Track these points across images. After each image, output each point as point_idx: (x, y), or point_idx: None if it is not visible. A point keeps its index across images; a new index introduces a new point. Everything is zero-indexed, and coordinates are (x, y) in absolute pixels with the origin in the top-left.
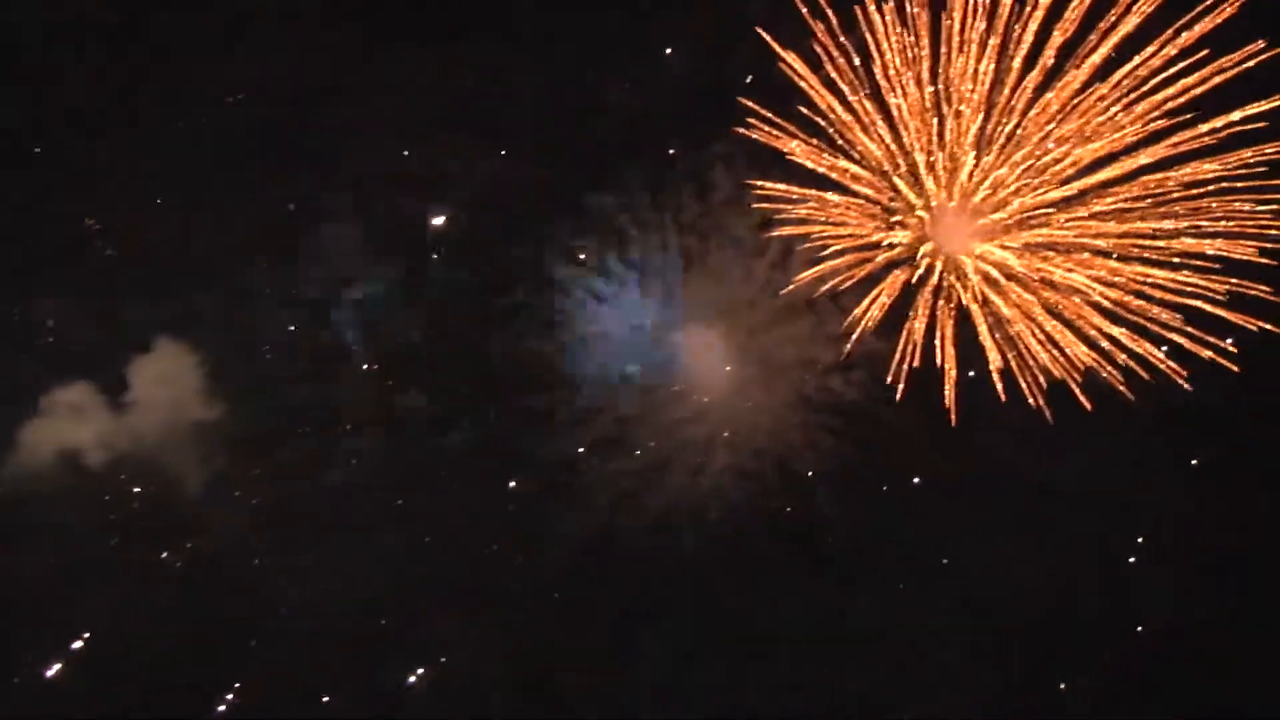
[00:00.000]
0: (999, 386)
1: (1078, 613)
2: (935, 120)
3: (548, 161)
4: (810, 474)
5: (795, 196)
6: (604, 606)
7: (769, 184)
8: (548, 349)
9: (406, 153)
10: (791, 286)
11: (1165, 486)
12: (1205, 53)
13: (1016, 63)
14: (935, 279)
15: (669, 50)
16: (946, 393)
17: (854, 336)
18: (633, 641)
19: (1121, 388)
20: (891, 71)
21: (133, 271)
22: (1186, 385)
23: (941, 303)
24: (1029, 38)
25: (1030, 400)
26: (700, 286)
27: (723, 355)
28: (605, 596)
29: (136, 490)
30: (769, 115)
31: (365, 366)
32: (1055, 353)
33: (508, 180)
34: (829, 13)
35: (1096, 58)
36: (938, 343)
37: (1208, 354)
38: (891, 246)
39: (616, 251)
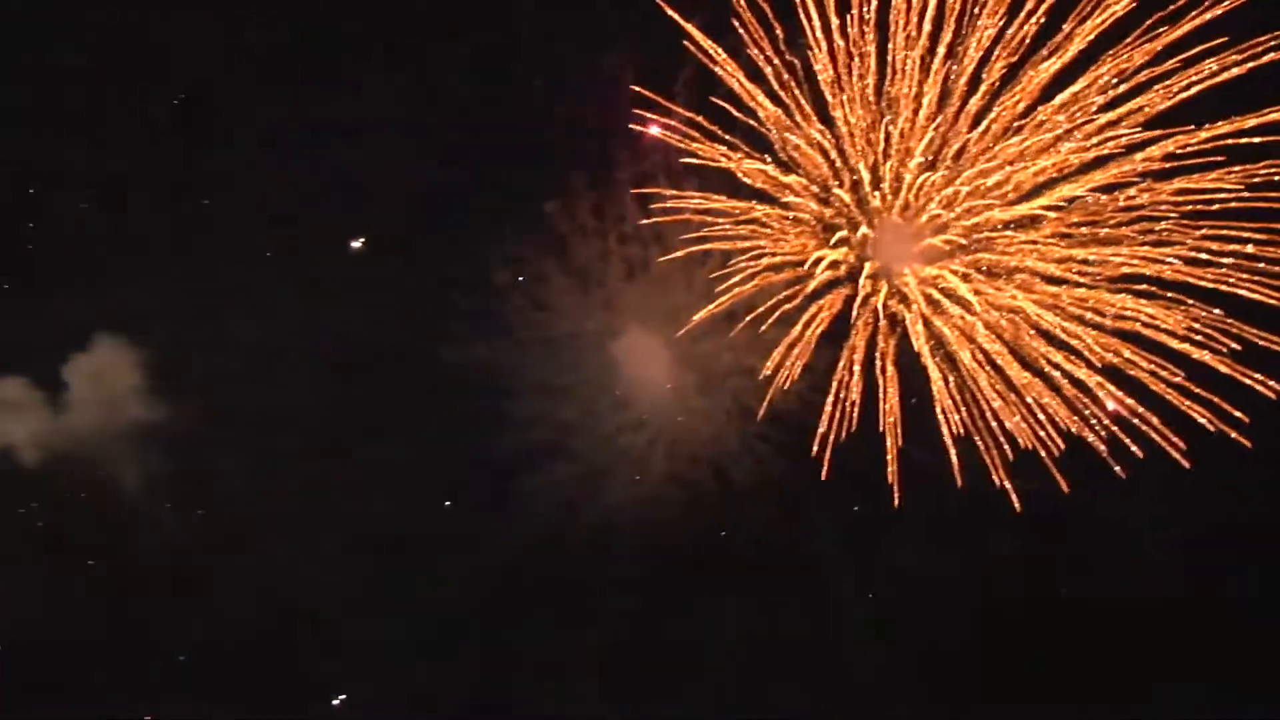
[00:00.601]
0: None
1: (1007, 633)
2: (881, 135)
3: (489, 167)
4: (747, 485)
5: (713, 206)
6: (540, 615)
7: (683, 193)
8: (487, 355)
9: (345, 153)
10: (720, 303)
11: (1107, 509)
12: (1152, 71)
13: (963, 81)
14: (877, 299)
15: (614, 60)
16: (884, 420)
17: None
18: (568, 649)
19: (1060, 414)
20: (835, 84)
21: (69, 267)
22: (1125, 412)
23: (883, 324)
24: (976, 54)
25: (973, 432)
26: (641, 294)
27: (663, 363)
28: (542, 605)
29: (68, 494)
30: (707, 125)
31: (303, 370)
32: (996, 378)
33: (449, 185)
34: (775, 24)
35: (1045, 76)
36: (878, 364)
37: (1158, 386)
38: (835, 265)
39: (557, 258)
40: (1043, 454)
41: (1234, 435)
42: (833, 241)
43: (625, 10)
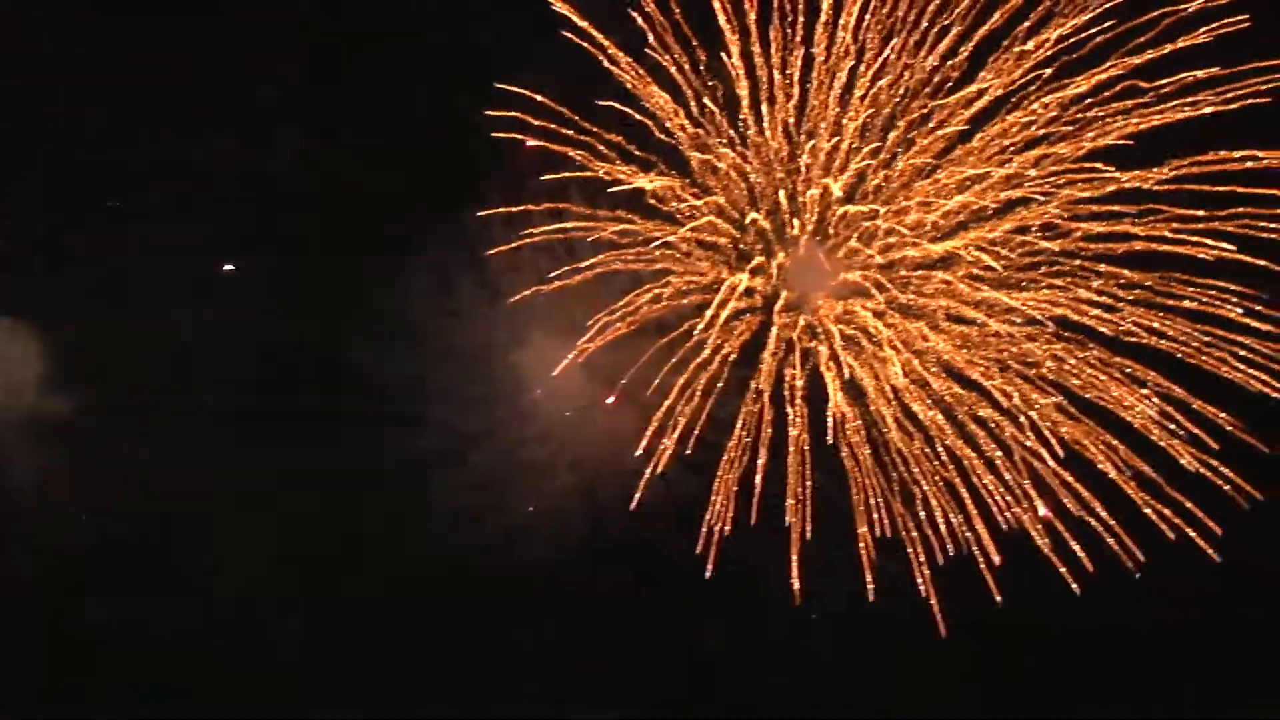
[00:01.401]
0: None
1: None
2: (803, 163)
3: (407, 173)
4: (652, 500)
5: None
6: (441, 622)
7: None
8: (392, 362)
9: (256, 154)
10: (627, 322)
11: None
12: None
13: (885, 114)
14: (791, 332)
15: (535, 72)
16: (790, 457)
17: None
18: (468, 658)
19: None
20: (755, 109)
21: None
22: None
23: (794, 357)
24: (897, 91)
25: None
26: (553, 307)
27: (573, 376)
28: (442, 612)
29: None
30: (624, 146)
31: (209, 371)
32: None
33: (364, 189)
34: (694, 44)
35: (973, 109)
36: (786, 397)
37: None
38: (749, 293)
39: (471, 265)
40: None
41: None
42: (749, 268)
43: (545, 26)
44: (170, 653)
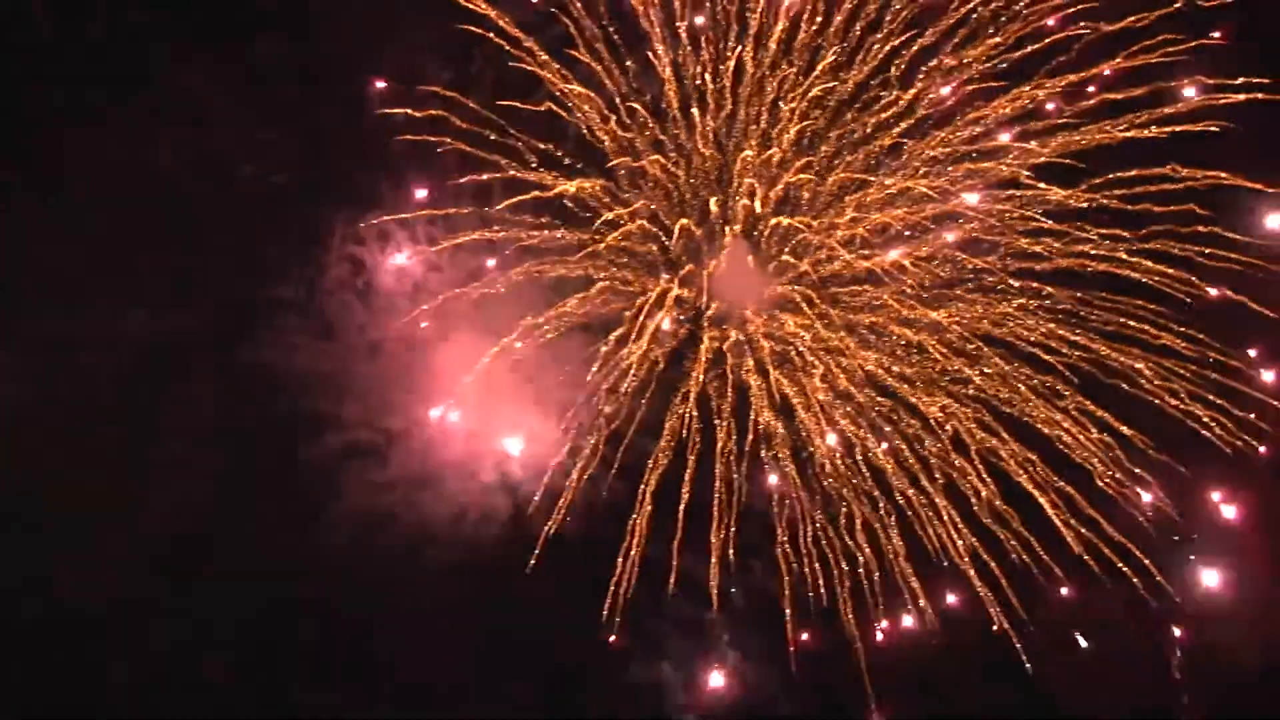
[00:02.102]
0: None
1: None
2: (735, 171)
3: (327, 171)
4: (574, 502)
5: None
6: (348, 622)
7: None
8: (310, 357)
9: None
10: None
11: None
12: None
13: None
14: (719, 343)
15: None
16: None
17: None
18: (373, 658)
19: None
20: (685, 117)
21: None
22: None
23: (724, 367)
24: (831, 105)
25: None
26: (478, 305)
27: (497, 376)
28: (351, 612)
29: None
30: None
31: (121, 365)
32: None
33: (285, 187)
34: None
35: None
36: (713, 408)
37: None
38: (680, 301)
39: (392, 265)
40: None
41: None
42: (677, 277)
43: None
44: (59, 656)
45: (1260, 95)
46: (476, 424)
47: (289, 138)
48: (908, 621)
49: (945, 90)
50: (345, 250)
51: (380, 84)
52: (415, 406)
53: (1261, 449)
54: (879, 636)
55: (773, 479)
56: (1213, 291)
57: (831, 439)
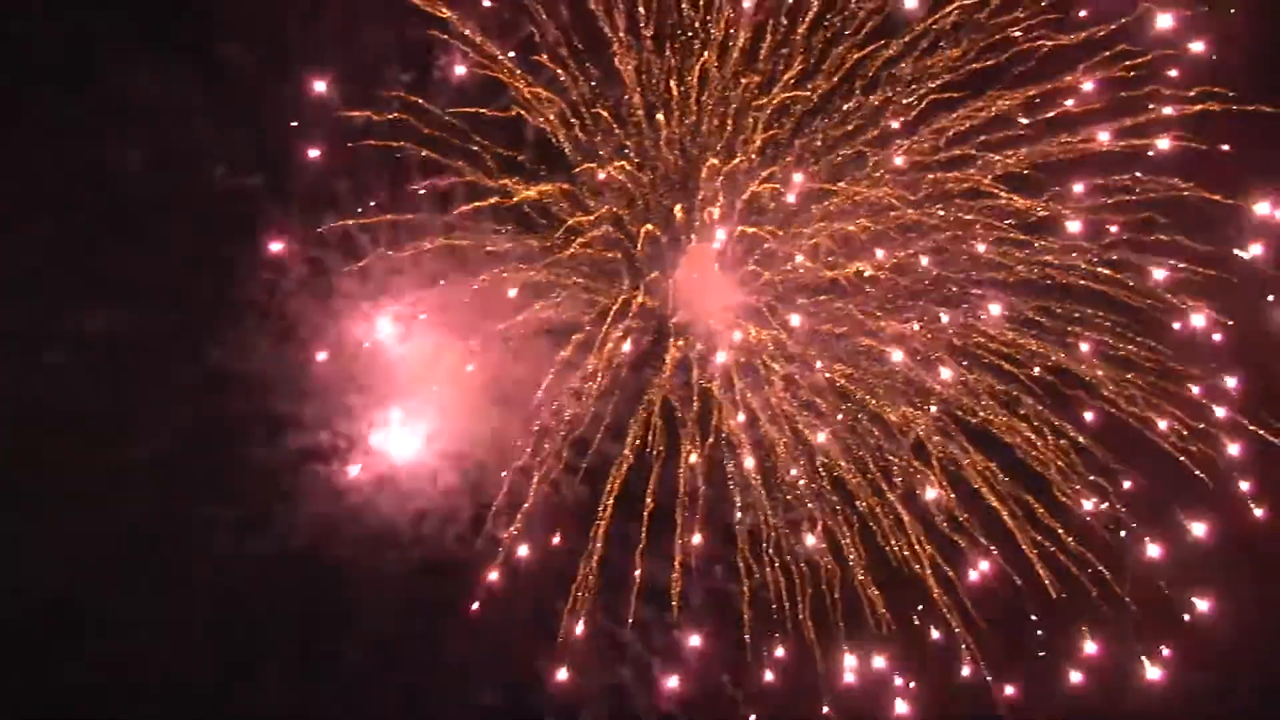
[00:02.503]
0: None
1: None
2: (701, 177)
3: (288, 175)
4: (534, 506)
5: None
6: (307, 623)
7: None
8: (271, 358)
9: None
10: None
11: None
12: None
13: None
14: (685, 352)
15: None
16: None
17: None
18: (333, 661)
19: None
20: (649, 123)
21: None
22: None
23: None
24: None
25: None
26: (445, 304)
27: (459, 375)
28: (311, 615)
29: None
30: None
31: (63, 359)
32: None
33: (247, 189)
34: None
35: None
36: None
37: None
38: (644, 309)
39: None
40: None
41: None
42: (643, 284)
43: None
44: (16, 656)
45: (1214, 105)
46: (438, 426)
47: (251, 139)
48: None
49: (909, 100)
50: (306, 253)
51: (340, 86)
52: (375, 409)
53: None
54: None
55: (735, 486)
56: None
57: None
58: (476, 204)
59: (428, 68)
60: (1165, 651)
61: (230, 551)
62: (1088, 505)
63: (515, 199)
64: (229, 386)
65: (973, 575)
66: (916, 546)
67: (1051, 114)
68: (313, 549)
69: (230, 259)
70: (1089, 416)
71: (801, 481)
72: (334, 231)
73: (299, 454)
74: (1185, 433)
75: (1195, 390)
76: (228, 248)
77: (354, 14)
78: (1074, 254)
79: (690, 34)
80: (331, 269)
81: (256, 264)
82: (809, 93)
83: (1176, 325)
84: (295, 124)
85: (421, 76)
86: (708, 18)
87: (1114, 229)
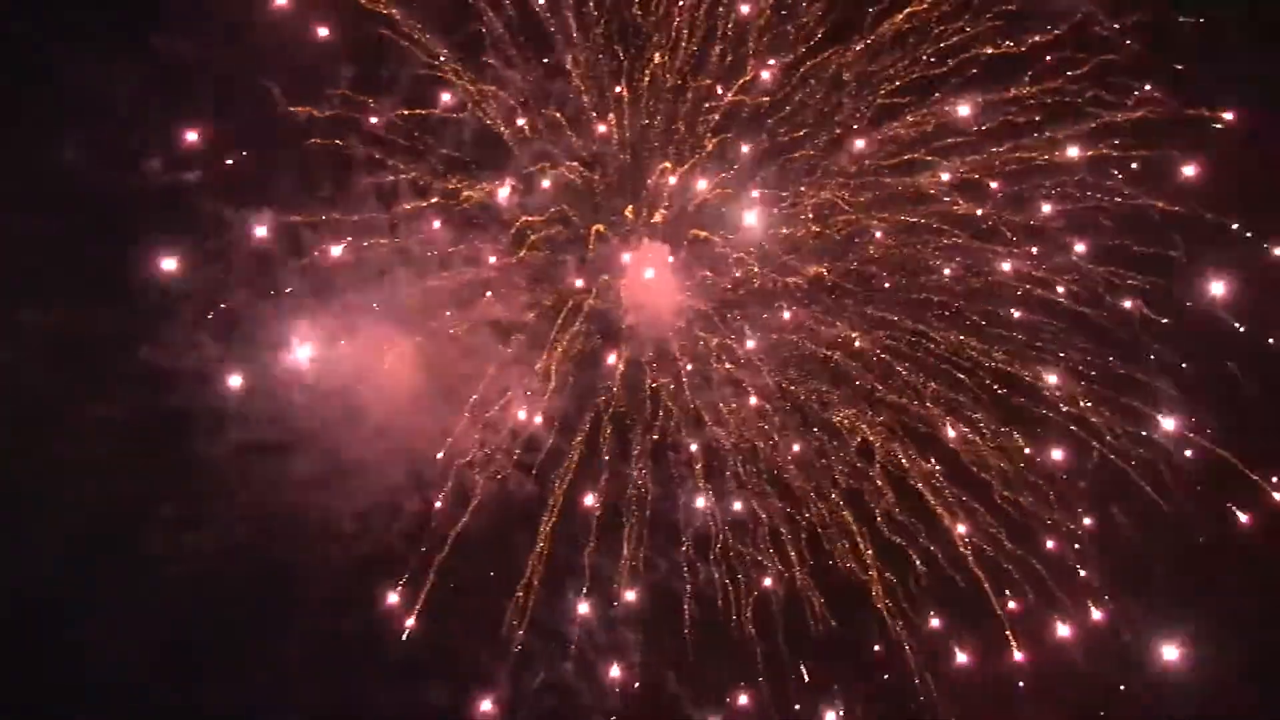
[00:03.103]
0: None
1: None
2: (655, 177)
3: (234, 172)
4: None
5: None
6: (251, 618)
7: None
8: (221, 353)
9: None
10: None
11: None
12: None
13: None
14: (635, 353)
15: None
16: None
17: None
18: (277, 655)
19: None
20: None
21: None
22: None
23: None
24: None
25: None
26: (392, 301)
27: (409, 372)
28: (255, 609)
29: None
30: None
31: (21, 360)
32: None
33: (188, 184)
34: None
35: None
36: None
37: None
38: (597, 311)
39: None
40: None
41: None
42: (596, 285)
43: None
44: None
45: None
46: (383, 421)
47: (195, 136)
48: None
49: (860, 106)
50: (251, 249)
51: (287, 84)
52: (320, 404)
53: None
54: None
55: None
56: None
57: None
58: (420, 203)
59: (376, 66)
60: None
61: (172, 548)
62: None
63: (462, 198)
64: (169, 382)
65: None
66: (859, 549)
67: (998, 120)
68: (256, 545)
69: (175, 254)
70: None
71: (749, 483)
72: (282, 226)
73: (242, 450)
74: (1120, 434)
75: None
76: (173, 243)
77: (299, 11)
78: (1029, 262)
79: (640, 35)
80: (279, 264)
81: (199, 259)
82: (764, 100)
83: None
84: (243, 120)
85: (367, 75)
86: (654, 19)
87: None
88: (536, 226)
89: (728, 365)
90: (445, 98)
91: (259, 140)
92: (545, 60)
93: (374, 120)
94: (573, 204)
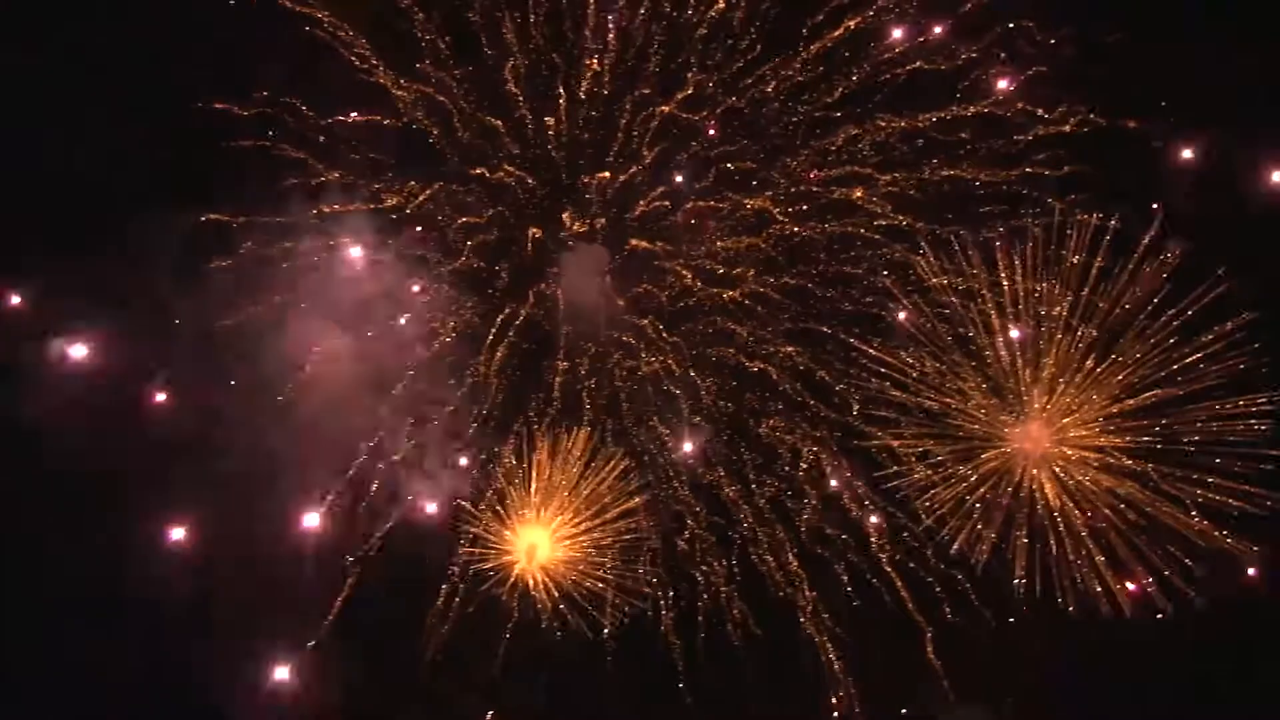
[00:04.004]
0: None
1: None
2: (590, 195)
3: (160, 173)
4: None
5: None
6: (173, 621)
7: None
8: (149, 351)
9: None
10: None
11: None
12: None
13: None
14: (570, 367)
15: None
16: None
17: None
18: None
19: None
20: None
21: None
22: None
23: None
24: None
25: None
26: (315, 304)
27: (344, 375)
28: (179, 612)
29: None
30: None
31: None
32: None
33: (113, 186)
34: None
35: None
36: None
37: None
38: (533, 319)
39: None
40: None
41: None
42: (529, 298)
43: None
44: None
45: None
46: (310, 422)
47: (122, 135)
48: None
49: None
50: (180, 246)
51: (216, 86)
52: (244, 406)
53: None
54: None
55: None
56: None
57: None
58: (349, 205)
59: (307, 68)
60: None
61: (89, 545)
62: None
63: (391, 201)
64: (97, 380)
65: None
66: (783, 560)
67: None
68: (182, 541)
69: (101, 250)
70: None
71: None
72: (210, 225)
73: (168, 447)
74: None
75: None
76: (101, 241)
77: (232, 12)
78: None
79: (577, 44)
80: (207, 262)
81: (129, 256)
82: (704, 112)
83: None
84: (169, 120)
85: (298, 76)
86: (589, 27)
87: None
88: (471, 230)
89: (663, 375)
90: (377, 99)
91: (182, 138)
92: (473, 66)
93: (300, 120)
94: (510, 208)
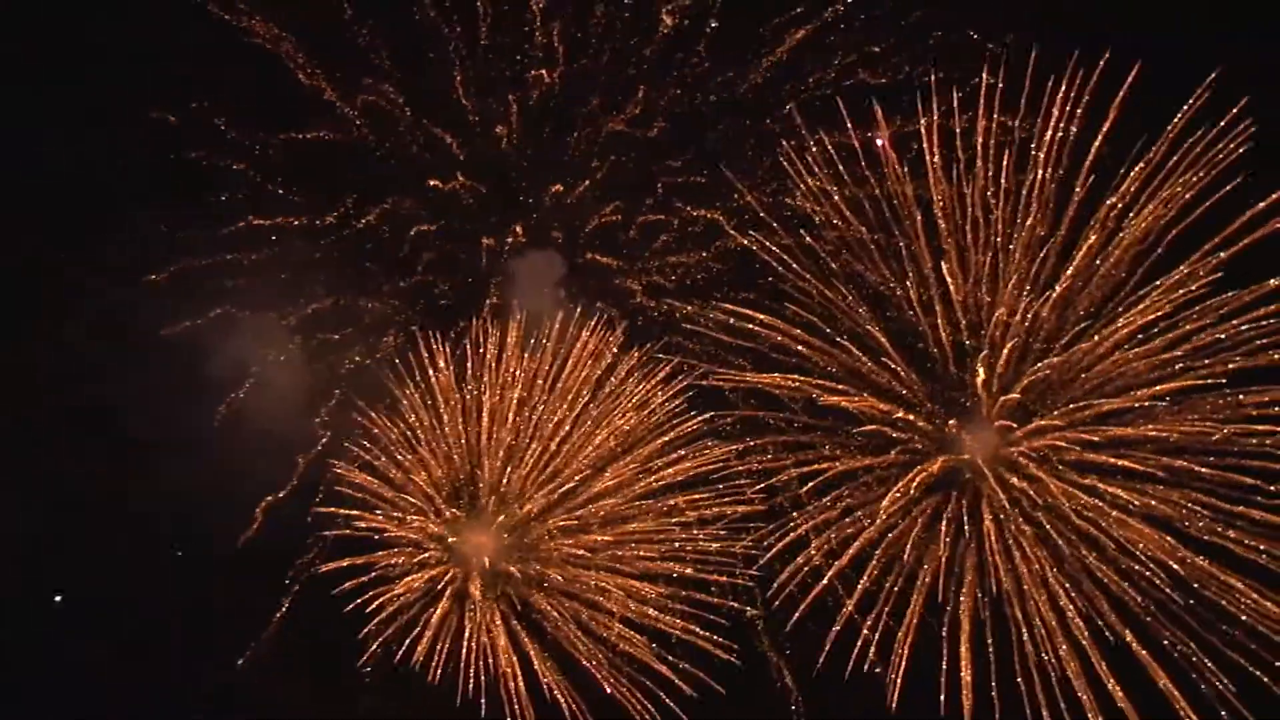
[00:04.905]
0: None
1: None
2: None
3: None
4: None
5: None
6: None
7: None
8: (98, 355)
9: None
10: None
11: None
12: None
13: None
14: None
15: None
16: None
17: None
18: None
19: None
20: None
21: None
22: None
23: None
24: None
25: None
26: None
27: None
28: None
29: None
30: None
31: None
32: None
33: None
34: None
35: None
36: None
37: None
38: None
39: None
40: None
41: None
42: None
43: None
44: None
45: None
46: (259, 425)
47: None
48: None
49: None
50: (127, 252)
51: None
52: (192, 407)
53: None
54: None
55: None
56: None
57: None
58: (290, 219)
59: (251, 84)
60: None
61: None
62: None
63: (338, 212)
64: (44, 383)
65: None
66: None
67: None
68: (133, 537)
69: (46, 255)
70: None
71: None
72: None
73: (118, 442)
74: None
75: None
76: (49, 244)
77: (169, 30)
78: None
79: (526, 55)
80: (152, 269)
81: (77, 258)
82: (658, 126)
83: None
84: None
85: (237, 86)
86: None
87: None
88: (423, 241)
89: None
90: (321, 110)
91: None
92: (422, 76)
93: (239, 132)
94: (461, 219)
